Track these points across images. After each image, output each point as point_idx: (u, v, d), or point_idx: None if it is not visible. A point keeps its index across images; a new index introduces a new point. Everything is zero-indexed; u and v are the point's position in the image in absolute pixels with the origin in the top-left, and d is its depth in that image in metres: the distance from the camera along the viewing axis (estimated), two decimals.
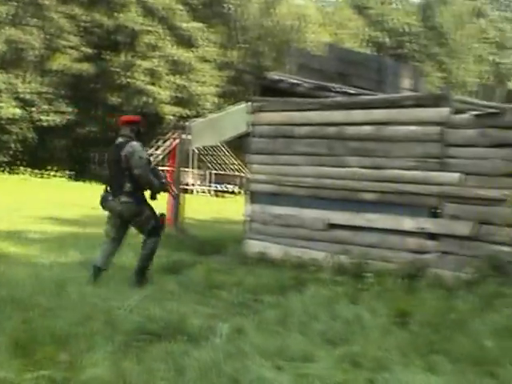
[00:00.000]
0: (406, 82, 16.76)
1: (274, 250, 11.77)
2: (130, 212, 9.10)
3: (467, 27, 63.84)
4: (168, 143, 38.75)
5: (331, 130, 11.48)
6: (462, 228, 9.84)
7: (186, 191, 19.41)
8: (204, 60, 45.71)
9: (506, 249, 9.33)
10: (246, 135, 13.93)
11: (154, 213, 9.28)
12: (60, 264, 10.55)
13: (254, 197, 12.84)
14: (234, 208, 26.93)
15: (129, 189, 8.99)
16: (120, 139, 9.29)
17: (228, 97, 48.68)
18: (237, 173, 46.22)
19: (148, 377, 4.54)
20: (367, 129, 11.07)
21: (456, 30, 62.43)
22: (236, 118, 13.71)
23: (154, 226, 9.19)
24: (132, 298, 7.48)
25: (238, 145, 42.98)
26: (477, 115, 9.89)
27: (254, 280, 9.12)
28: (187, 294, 8.37)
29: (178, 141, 15.89)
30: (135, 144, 9.10)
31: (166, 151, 40.15)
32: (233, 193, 44.29)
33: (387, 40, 61.86)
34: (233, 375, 4.91)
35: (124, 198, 9.02)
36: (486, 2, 73.15)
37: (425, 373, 5.03)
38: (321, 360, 5.44)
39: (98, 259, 9.24)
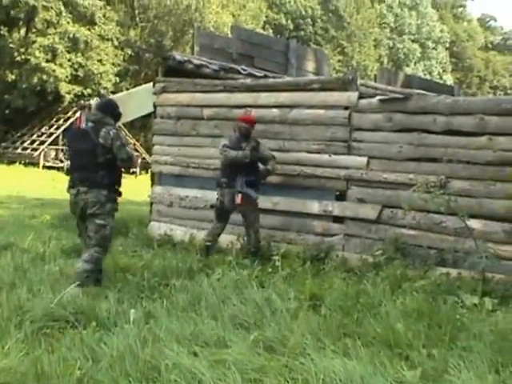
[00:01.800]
0: (310, 66, 16.89)
1: (180, 233, 11.68)
2: None
3: (366, 11, 64.73)
4: (67, 123, 38.08)
5: (237, 112, 11.42)
6: (368, 211, 9.96)
7: None
8: (103, 38, 44.76)
9: (411, 232, 9.49)
10: (148, 116, 13.76)
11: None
12: None
13: (159, 178, 12.73)
14: (134, 189, 26.60)
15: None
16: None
17: (128, 76, 48.02)
18: (135, 153, 45.70)
19: (64, 366, 4.40)
20: (274, 111, 11.07)
21: (356, 14, 63.21)
22: (141, 99, 13.47)
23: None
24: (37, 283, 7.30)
25: (135, 125, 42.58)
26: (383, 100, 9.99)
27: (160, 263, 8.99)
28: None
29: (80, 120, 15.46)
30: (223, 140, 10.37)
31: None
32: (132, 173, 43.76)
33: (287, 22, 62.14)
34: (150, 362, 4.83)
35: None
36: None
37: (340, 357, 5.05)
38: (235, 345, 5.40)
39: None
